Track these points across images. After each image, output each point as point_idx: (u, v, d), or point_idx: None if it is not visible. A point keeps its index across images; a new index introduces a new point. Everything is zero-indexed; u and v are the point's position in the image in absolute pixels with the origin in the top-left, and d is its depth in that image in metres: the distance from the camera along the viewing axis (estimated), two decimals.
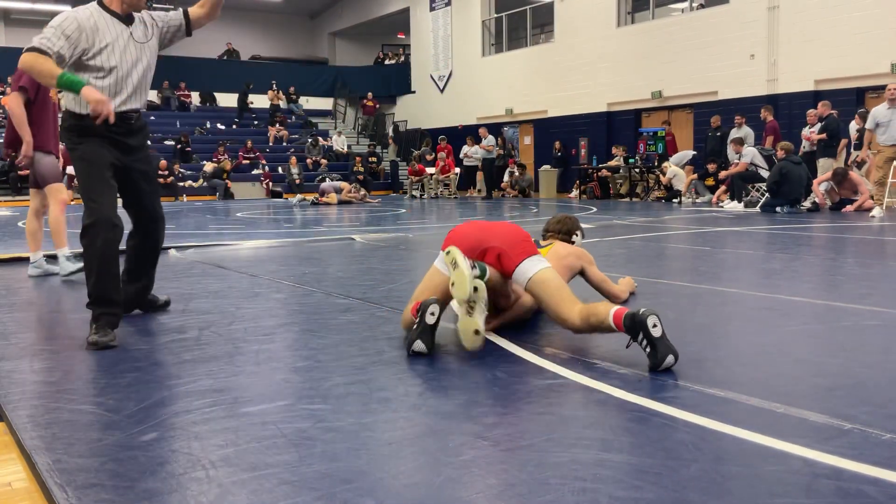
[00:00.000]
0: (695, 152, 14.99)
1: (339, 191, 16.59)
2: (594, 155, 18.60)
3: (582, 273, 3.75)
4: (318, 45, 31.04)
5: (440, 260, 3.11)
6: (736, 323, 3.55)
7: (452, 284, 2.84)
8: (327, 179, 17.88)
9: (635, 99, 17.93)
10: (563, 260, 3.63)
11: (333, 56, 30.63)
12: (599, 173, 17.39)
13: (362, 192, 17.16)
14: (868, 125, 11.22)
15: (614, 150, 17.28)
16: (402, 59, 27.88)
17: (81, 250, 3.29)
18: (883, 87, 13.62)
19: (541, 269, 3.02)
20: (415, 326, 2.90)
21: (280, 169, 21.03)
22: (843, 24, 13.81)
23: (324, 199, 16.37)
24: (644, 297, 4.14)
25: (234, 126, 23.90)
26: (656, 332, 2.61)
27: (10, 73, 6.21)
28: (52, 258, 5.48)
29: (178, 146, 20.84)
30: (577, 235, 3.98)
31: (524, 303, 3.39)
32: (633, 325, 2.65)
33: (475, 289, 2.82)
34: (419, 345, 2.86)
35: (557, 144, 19.45)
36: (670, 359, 2.62)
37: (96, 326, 3.17)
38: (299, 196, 17.18)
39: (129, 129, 3.48)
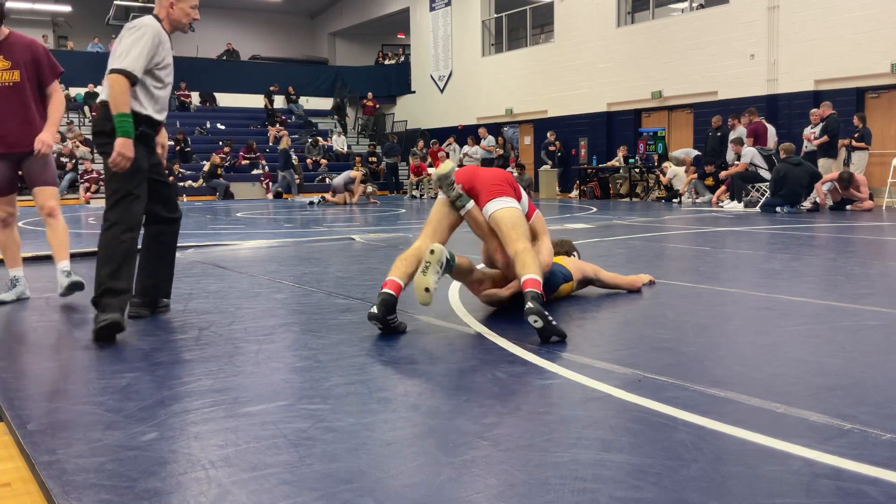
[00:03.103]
0: (698, 152, 15.00)
1: (352, 181, 16.30)
2: (594, 155, 18.59)
3: (596, 280, 4.17)
4: (318, 45, 31.05)
5: (441, 197, 3.56)
6: (736, 323, 3.55)
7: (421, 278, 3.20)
8: (327, 179, 17.78)
9: (635, 99, 17.92)
10: (580, 265, 4.10)
11: (333, 56, 30.63)
12: (599, 175, 17.40)
13: (370, 188, 17.00)
14: None
15: (619, 152, 17.26)
16: (402, 59, 27.86)
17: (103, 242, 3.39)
18: (883, 88, 13.67)
19: (501, 208, 3.45)
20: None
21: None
22: (843, 24, 13.80)
23: (332, 198, 16.22)
24: (645, 297, 4.14)
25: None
26: (537, 326, 3.03)
27: None
28: None
29: (178, 147, 20.82)
30: (574, 254, 4.39)
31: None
32: (525, 312, 3.04)
33: (432, 251, 3.21)
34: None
35: (551, 136, 19.15)
36: (554, 338, 3.07)
37: (101, 308, 3.25)
38: (318, 197, 16.94)
39: (155, 135, 3.71)
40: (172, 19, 3.62)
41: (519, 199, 3.59)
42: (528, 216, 3.65)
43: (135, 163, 3.40)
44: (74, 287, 4.20)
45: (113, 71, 3.36)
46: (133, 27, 3.47)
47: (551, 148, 19.09)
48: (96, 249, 3.44)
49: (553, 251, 3.87)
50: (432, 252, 3.22)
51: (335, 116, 25.41)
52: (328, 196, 16.41)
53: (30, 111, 4.17)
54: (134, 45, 3.39)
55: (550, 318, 3.05)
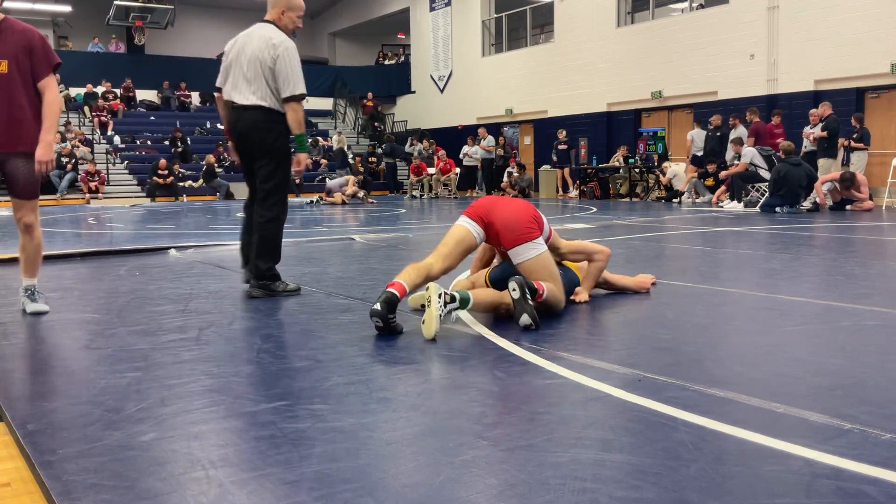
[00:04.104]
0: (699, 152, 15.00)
1: (345, 184, 16.42)
2: (594, 155, 18.58)
3: (603, 283, 4.18)
4: (318, 45, 31.04)
5: (462, 219, 3.63)
6: (736, 323, 3.55)
7: (423, 322, 3.16)
8: (327, 180, 17.81)
9: (635, 99, 17.93)
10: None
11: (333, 56, 30.63)
12: (599, 175, 17.37)
13: (361, 193, 17.00)
14: None
15: (619, 152, 17.22)
16: (402, 59, 27.87)
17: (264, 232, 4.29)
18: (883, 88, 13.67)
19: (532, 258, 3.51)
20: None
21: None
22: (843, 24, 13.81)
23: (329, 198, 16.25)
24: (645, 297, 4.14)
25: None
26: (515, 295, 3.25)
27: None
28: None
29: (173, 149, 20.81)
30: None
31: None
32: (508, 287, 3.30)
33: (460, 301, 3.25)
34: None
35: (561, 135, 18.97)
36: (525, 318, 3.23)
37: (276, 282, 4.33)
38: (316, 196, 16.95)
39: None
40: (281, 25, 4.36)
41: (542, 230, 3.60)
42: (547, 239, 3.69)
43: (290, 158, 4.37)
44: (37, 314, 3.84)
45: (292, 99, 4.21)
46: (285, 50, 4.20)
47: (562, 147, 18.81)
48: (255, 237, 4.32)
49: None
50: (426, 288, 3.22)
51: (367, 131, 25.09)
52: (325, 196, 16.39)
53: (18, 107, 3.69)
54: (295, 70, 4.22)
55: (530, 299, 3.27)
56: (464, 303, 3.30)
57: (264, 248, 4.32)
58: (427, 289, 3.21)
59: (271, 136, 4.25)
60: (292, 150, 4.35)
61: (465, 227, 3.59)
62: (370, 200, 16.71)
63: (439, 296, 3.17)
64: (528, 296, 3.28)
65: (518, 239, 3.50)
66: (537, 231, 3.55)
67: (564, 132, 18.78)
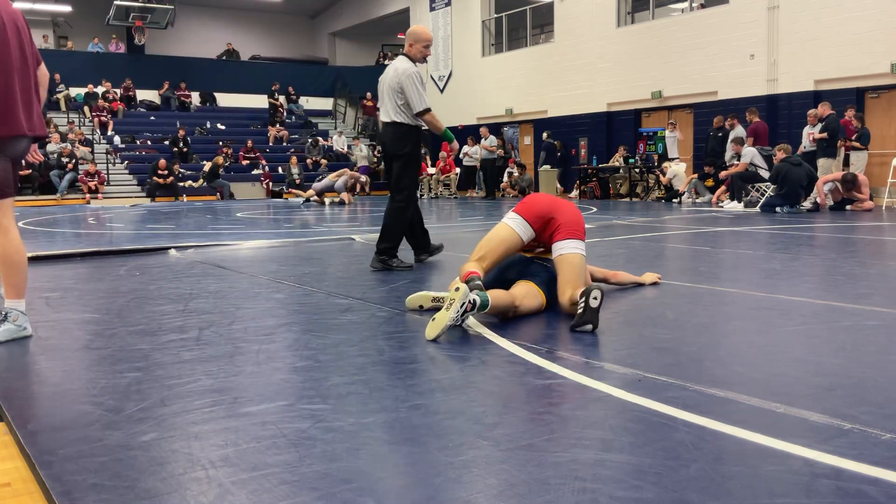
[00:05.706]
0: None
1: (330, 186, 16.33)
2: (594, 155, 18.59)
3: None
4: (318, 45, 31.05)
5: (510, 218, 3.68)
6: (736, 323, 3.55)
7: (433, 320, 3.15)
8: (325, 180, 17.82)
9: (635, 99, 17.92)
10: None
11: (333, 56, 30.65)
12: (599, 175, 17.39)
13: (364, 177, 16.78)
14: None
15: (619, 153, 17.27)
16: None
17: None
18: (883, 88, 13.67)
19: (572, 252, 3.57)
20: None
21: (280, 169, 21.02)
22: (843, 24, 13.80)
23: (318, 199, 16.21)
24: (645, 297, 4.14)
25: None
26: (594, 303, 3.22)
27: None
28: None
29: (174, 149, 20.79)
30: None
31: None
32: (584, 291, 3.25)
33: (457, 288, 3.20)
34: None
35: (548, 137, 19.19)
36: (588, 326, 3.23)
37: (392, 259, 5.34)
38: (303, 197, 16.92)
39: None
40: (412, 55, 5.38)
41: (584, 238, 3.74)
42: None
43: (419, 162, 5.47)
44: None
45: (422, 112, 5.26)
46: (407, 77, 5.20)
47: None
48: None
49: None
50: (457, 289, 3.20)
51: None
52: (316, 197, 16.31)
53: None
54: (417, 91, 5.22)
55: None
56: (482, 307, 3.28)
57: (387, 231, 5.36)
58: (456, 289, 3.19)
59: (401, 143, 5.34)
60: (425, 152, 4.93)
61: (510, 227, 3.65)
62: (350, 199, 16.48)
63: (462, 304, 3.15)
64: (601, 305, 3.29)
65: (574, 233, 3.61)
66: (584, 235, 3.70)
67: (546, 133, 18.98)
